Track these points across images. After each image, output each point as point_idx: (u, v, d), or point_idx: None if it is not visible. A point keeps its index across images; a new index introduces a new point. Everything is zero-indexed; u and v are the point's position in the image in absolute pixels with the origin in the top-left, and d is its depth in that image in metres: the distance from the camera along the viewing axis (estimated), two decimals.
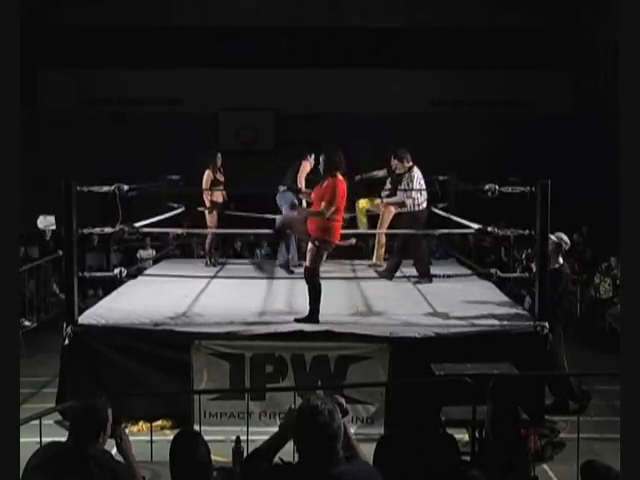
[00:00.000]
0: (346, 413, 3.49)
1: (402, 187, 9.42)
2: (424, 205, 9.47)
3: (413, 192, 9.26)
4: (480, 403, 5.23)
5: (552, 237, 7.72)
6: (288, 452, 3.36)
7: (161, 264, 11.14)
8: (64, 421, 6.90)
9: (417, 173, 9.42)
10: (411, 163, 9.47)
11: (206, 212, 10.35)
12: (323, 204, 7.23)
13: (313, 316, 7.39)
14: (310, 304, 7.41)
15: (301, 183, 9.53)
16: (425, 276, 9.24)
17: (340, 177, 7.35)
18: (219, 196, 10.43)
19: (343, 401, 3.51)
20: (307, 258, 7.46)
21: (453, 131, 16.89)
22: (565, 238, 7.86)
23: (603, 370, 8.21)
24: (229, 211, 11.00)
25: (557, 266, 7.78)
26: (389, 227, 9.91)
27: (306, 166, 9.66)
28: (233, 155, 11.16)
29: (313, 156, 9.88)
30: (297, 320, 7.38)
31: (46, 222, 11.69)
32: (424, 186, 9.48)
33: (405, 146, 9.64)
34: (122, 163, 15.76)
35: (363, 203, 10.13)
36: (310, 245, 7.44)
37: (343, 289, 8.95)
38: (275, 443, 3.41)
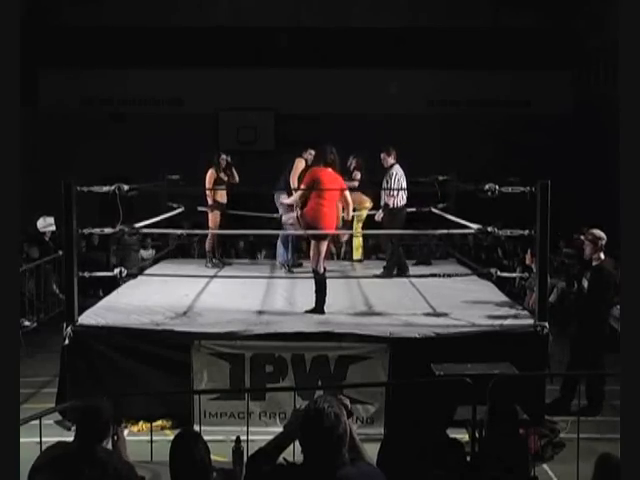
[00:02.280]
0: (350, 414, 3.49)
1: (382, 186, 9.52)
2: (402, 203, 9.54)
3: (392, 191, 9.36)
4: (480, 403, 5.23)
5: (582, 237, 7.71)
6: (288, 452, 3.37)
7: (161, 264, 11.14)
8: (64, 421, 6.91)
9: (397, 171, 9.48)
10: (394, 161, 9.58)
11: (208, 212, 10.34)
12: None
13: (319, 307, 7.70)
14: (315, 295, 7.72)
15: (294, 182, 9.59)
16: (390, 274, 9.33)
17: (322, 168, 7.87)
18: (223, 196, 10.40)
19: (348, 402, 3.51)
20: (311, 252, 7.85)
21: (452, 131, 16.89)
22: (598, 233, 7.70)
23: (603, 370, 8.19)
24: (232, 211, 11.01)
25: (597, 262, 7.67)
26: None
27: (299, 163, 9.69)
28: (233, 155, 11.12)
29: (311, 151, 9.91)
30: (307, 311, 7.68)
31: (45, 223, 11.67)
32: (404, 185, 9.53)
33: (395, 144, 9.79)
34: (122, 163, 15.76)
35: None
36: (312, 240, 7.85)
37: (343, 289, 8.95)
38: (280, 443, 3.41)
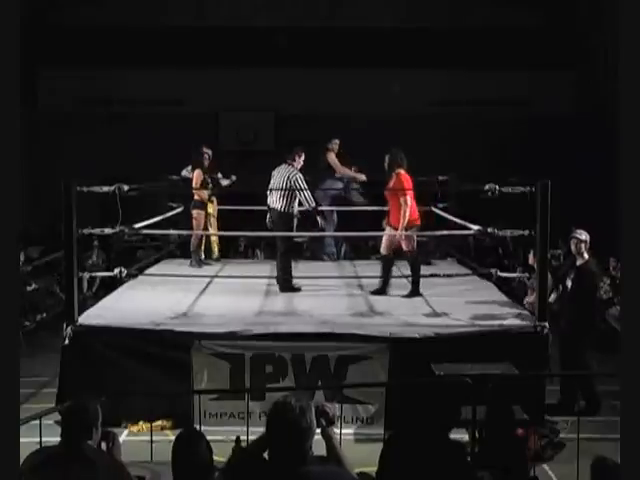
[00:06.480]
0: (332, 422, 3.51)
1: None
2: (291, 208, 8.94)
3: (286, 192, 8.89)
4: (480, 403, 5.23)
5: (577, 235, 7.69)
6: None
7: (161, 264, 11.14)
8: None
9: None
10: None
11: (193, 212, 10.39)
12: (403, 199, 8.22)
13: (416, 290, 8.44)
14: (412, 280, 8.48)
15: (346, 171, 10.41)
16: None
17: (402, 172, 8.37)
18: (204, 195, 10.50)
19: (330, 410, 3.54)
20: (409, 245, 8.43)
21: (453, 131, 16.88)
22: (581, 232, 7.70)
23: (603, 370, 8.19)
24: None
25: (581, 262, 7.67)
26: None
27: (332, 156, 10.29)
28: (233, 155, 11.13)
29: (335, 141, 10.50)
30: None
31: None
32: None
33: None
34: (122, 163, 15.74)
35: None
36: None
37: (343, 289, 8.96)
38: (262, 443, 3.41)
